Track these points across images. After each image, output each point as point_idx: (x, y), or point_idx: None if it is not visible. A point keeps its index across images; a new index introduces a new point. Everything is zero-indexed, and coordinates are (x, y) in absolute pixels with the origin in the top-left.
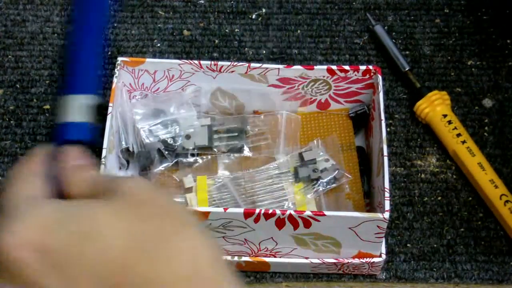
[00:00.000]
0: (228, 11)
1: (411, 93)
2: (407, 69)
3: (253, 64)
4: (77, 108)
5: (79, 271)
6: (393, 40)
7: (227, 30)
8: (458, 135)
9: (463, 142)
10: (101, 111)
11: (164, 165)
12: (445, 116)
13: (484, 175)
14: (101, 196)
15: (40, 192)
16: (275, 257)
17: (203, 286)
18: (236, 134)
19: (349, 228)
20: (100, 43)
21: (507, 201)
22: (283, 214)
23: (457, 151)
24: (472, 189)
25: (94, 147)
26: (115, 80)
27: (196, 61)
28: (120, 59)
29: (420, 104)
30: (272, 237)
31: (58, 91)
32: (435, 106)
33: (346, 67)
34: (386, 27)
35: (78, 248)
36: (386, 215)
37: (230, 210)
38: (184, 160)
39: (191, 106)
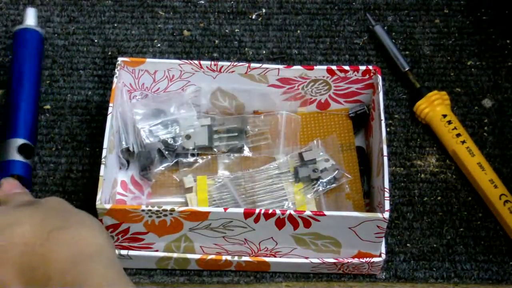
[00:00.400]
0: (228, 11)
1: (411, 93)
2: (407, 69)
3: (253, 64)
4: (10, 150)
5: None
6: (393, 40)
7: (227, 30)
8: (458, 135)
9: (463, 142)
10: (30, 151)
11: (164, 165)
12: (444, 116)
13: (483, 175)
14: None
15: None
16: (275, 257)
17: (84, 261)
18: (236, 134)
19: (349, 228)
20: (31, 97)
21: (506, 201)
22: (283, 214)
23: (457, 151)
24: (472, 189)
25: (25, 179)
26: (115, 80)
27: (196, 61)
28: (120, 59)
29: (420, 104)
30: (272, 237)
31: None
32: (434, 106)
33: (346, 67)
34: (386, 27)
35: None
36: (386, 215)
37: (230, 210)
38: (184, 160)
39: (191, 106)
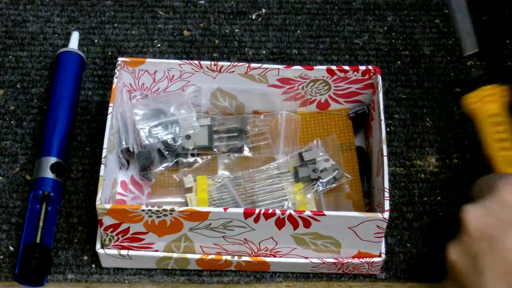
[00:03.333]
0: (228, 11)
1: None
2: (467, 53)
3: (253, 64)
4: (44, 167)
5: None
6: (471, 17)
7: (227, 31)
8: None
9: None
10: (62, 170)
11: (164, 165)
12: (494, 115)
13: None
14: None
15: None
16: (275, 257)
17: None
18: (236, 134)
19: (349, 228)
20: (68, 119)
21: None
22: (283, 214)
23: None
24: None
25: (55, 196)
26: (115, 80)
27: (196, 61)
28: (120, 59)
29: (469, 98)
30: (272, 237)
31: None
32: (485, 103)
33: (346, 67)
34: (386, 27)
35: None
36: (386, 215)
37: (230, 210)
38: (184, 160)
39: (191, 107)
